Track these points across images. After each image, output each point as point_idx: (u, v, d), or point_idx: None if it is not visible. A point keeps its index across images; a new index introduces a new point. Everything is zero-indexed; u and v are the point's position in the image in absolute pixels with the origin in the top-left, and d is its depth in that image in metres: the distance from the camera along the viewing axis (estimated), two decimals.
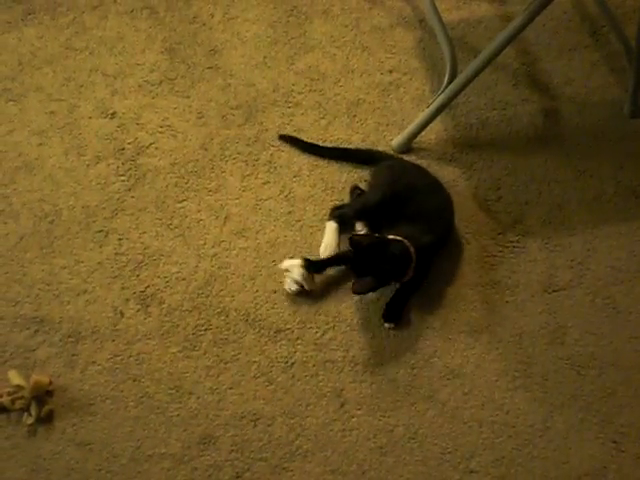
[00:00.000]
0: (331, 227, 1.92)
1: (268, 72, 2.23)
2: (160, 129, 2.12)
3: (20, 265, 1.92)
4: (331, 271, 1.89)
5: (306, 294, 1.86)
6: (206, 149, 2.09)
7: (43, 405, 1.72)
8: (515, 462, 1.70)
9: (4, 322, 1.84)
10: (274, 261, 1.92)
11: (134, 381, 1.77)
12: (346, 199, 2.00)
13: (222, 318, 1.85)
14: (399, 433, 1.73)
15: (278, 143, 2.10)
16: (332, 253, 1.88)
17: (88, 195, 2.02)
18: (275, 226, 1.97)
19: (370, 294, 1.83)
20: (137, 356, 1.80)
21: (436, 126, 2.10)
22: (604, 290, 1.90)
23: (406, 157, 2.07)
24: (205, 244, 1.95)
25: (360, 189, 2.00)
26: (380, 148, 2.08)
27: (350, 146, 2.09)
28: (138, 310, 1.86)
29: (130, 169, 2.05)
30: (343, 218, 1.93)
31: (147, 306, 1.86)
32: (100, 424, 1.73)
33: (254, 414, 1.74)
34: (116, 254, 1.93)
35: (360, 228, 1.92)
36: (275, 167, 2.06)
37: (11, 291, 1.88)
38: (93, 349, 1.81)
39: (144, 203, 2.00)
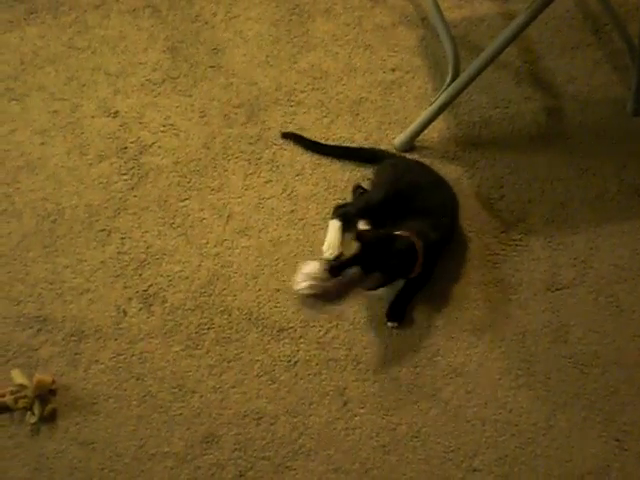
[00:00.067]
0: (334, 226, 1.92)
1: (270, 71, 2.23)
2: (162, 128, 2.12)
3: (23, 264, 1.92)
4: None
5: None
6: (208, 148, 2.09)
7: (46, 404, 1.73)
8: (518, 460, 1.70)
9: (7, 321, 1.84)
10: (277, 260, 1.92)
11: (137, 380, 1.77)
12: (349, 198, 2.00)
13: (225, 317, 1.85)
14: (402, 432, 1.72)
15: (281, 142, 2.10)
16: (335, 252, 1.88)
17: (91, 194, 2.02)
18: (278, 225, 1.97)
19: (379, 291, 1.82)
20: (140, 355, 1.80)
21: (438, 124, 2.10)
22: (607, 288, 1.90)
23: (408, 155, 2.07)
24: (208, 243, 1.95)
25: (363, 188, 2.00)
26: (382, 147, 2.08)
27: (353, 145, 2.09)
28: (141, 309, 1.86)
29: (133, 168, 2.05)
30: (346, 216, 1.93)
31: (150, 305, 1.86)
32: (103, 423, 1.73)
33: (257, 413, 1.74)
34: (119, 253, 1.93)
35: (363, 227, 1.92)
36: (277, 166, 2.06)
37: (14, 290, 1.88)
38: (96, 348, 1.81)
39: (147, 202, 2.00)
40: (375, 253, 1.75)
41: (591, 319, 1.85)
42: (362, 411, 1.75)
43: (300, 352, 1.81)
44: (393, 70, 2.23)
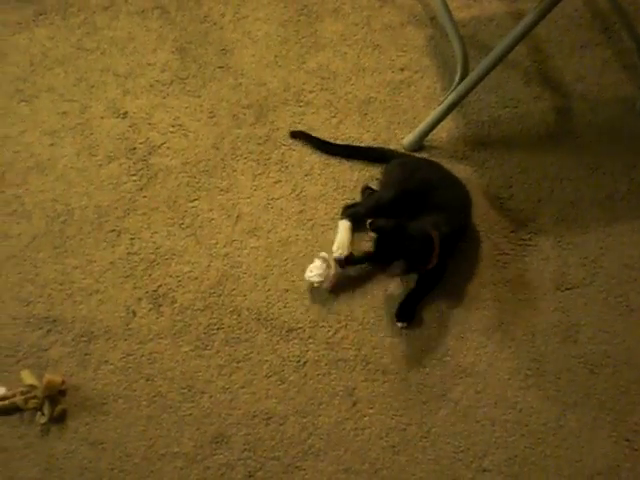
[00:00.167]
0: (344, 225, 1.92)
1: (279, 71, 2.23)
2: (171, 129, 2.12)
3: (33, 265, 1.92)
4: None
5: (320, 292, 1.87)
6: (217, 148, 2.09)
7: (56, 404, 1.73)
8: (528, 461, 1.69)
9: (17, 322, 1.85)
10: (286, 260, 1.92)
11: (147, 380, 1.78)
12: (358, 198, 2.00)
13: (234, 317, 1.85)
14: (412, 432, 1.72)
15: (289, 142, 2.10)
16: (345, 252, 1.87)
17: (100, 195, 2.02)
18: (287, 225, 1.97)
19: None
20: (149, 355, 1.81)
21: (447, 124, 2.10)
22: (617, 288, 1.89)
23: (417, 155, 2.07)
24: (217, 243, 1.95)
25: (372, 189, 2.00)
26: (391, 146, 2.08)
27: (361, 144, 2.09)
28: (150, 309, 1.86)
29: (142, 169, 2.06)
30: (356, 216, 1.93)
31: (159, 305, 1.87)
32: (113, 423, 1.73)
33: (266, 413, 1.74)
34: (128, 254, 1.94)
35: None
36: (286, 166, 2.06)
37: (24, 291, 1.89)
38: (106, 348, 1.81)
39: (156, 203, 2.01)
40: (393, 241, 1.74)
41: (601, 319, 1.85)
42: (371, 411, 1.74)
43: (309, 352, 1.81)
44: (402, 70, 2.23)
